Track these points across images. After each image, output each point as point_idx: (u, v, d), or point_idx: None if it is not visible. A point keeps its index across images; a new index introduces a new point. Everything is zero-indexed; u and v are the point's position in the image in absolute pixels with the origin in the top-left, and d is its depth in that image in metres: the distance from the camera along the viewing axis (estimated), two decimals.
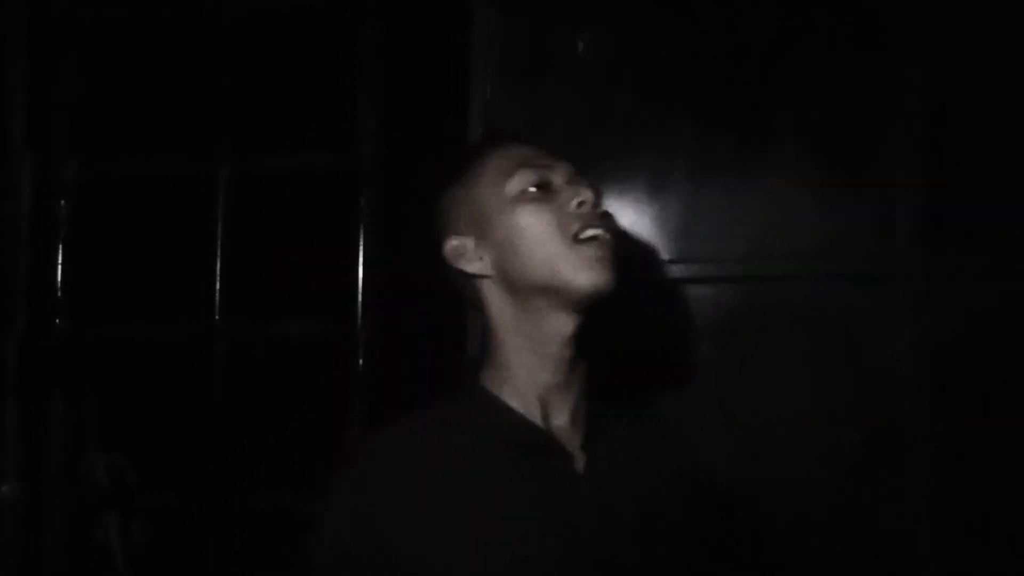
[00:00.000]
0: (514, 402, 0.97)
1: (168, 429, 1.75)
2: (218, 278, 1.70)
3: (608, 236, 0.96)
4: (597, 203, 0.98)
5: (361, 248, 1.58)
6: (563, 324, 0.97)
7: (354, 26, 1.61)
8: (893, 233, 1.46)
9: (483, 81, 1.53)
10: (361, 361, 1.56)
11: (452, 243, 1.01)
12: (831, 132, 1.48)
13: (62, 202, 1.81)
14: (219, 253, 1.70)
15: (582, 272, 0.94)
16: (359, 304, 1.57)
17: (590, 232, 0.95)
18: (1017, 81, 1.42)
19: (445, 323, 1.50)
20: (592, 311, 0.97)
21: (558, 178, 0.99)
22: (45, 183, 1.77)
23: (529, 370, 0.98)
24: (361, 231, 1.58)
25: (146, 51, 1.78)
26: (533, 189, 0.97)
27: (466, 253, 1.00)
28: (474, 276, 1.01)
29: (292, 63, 1.67)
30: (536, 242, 0.95)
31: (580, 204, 0.96)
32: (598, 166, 1.52)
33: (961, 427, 1.41)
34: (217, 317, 1.70)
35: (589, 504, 0.94)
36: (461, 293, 1.05)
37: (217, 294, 1.70)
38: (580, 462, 0.96)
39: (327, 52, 1.63)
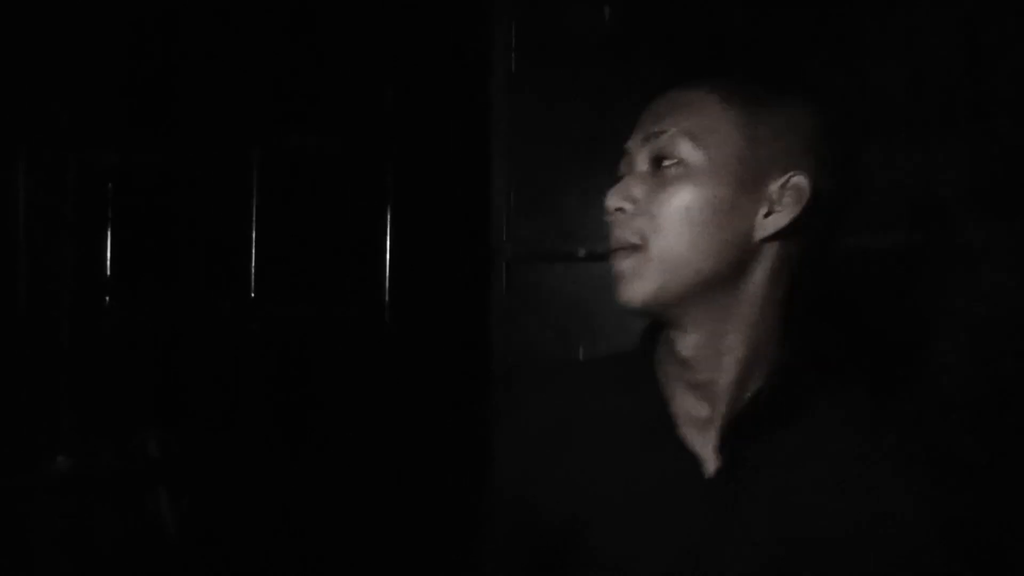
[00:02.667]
0: (665, 381, 0.90)
1: (207, 403, 1.80)
2: (253, 259, 1.74)
3: (629, 245, 0.85)
4: (618, 209, 0.86)
5: (388, 228, 1.60)
6: (666, 325, 0.89)
7: (375, 14, 1.61)
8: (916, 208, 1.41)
9: (505, 56, 1.51)
10: (389, 339, 1.58)
11: None
12: (868, 98, 1.43)
13: (109, 185, 1.88)
14: (254, 234, 1.74)
15: (615, 287, 0.86)
16: (386, 285, 1.59)
17: (613, 247, 0.86)
18: None
19: (470, 303, 1.51)
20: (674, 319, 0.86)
21: (626, 164, 0.89)
22: (88, 172, 1.84)
23: (663, 356, 0.91)
24: (388, 214, 1.60)
25: (178, 44, 1.82)
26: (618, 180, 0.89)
27: None
28: None
29: (317, 48, 1.69)
30: None
31: (607, 213, 0.87)
32: (621, 139, 1.51)
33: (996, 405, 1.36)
34: (252, 295, 1.74)
35: (703, 515, 0.85)
36: None
37: (252, 274, 1.74)
38: (711, 466, 0.86)
39: (352, 37, 1.64)
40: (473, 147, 1.52)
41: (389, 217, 1.59)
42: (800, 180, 0.84)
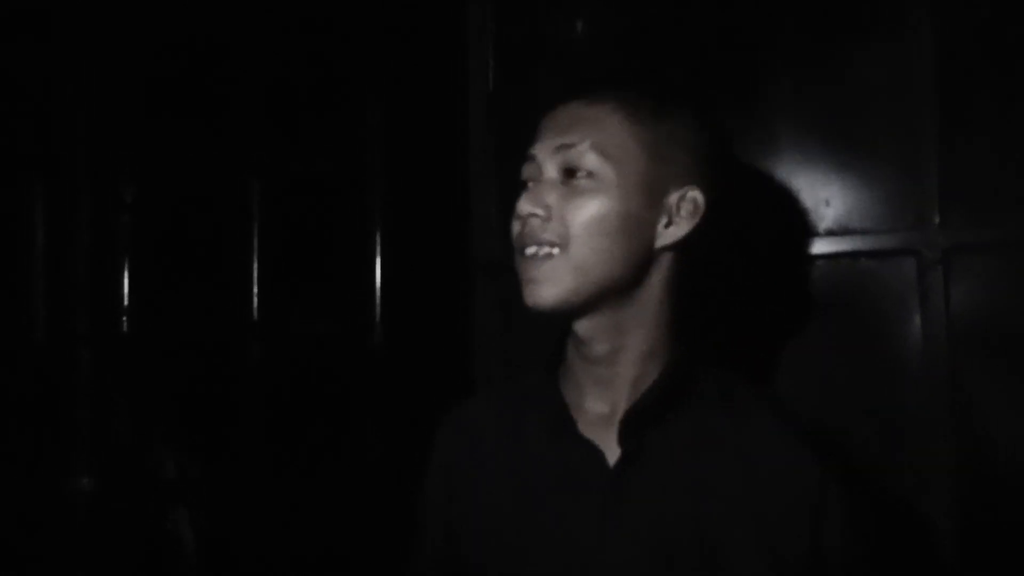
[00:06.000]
0: (567, 386, 0.96)
1: (215, 420, 1.87)
2: (255, 283, 1.80)
3: (541, 253, 0.89)
4: (532, 214, 0.89)
5: (378, 249, 1.64)
6: (574, 325, 0.93)
7: (357, 40, 1.66)
8: (906, 210, 1.40)
9: (482, 74, 1.56)
10: (378, 354, 1.62)
11: None
12: (833, 109, 1.43)
13: (125, 216, 1.97)
14: (255, 259, 1.80)
15: (523, 289, 0.91)
16: (377, 303, 1.63)
17: (523, 251, 0.90)
18: None
19: (454, 317, 1.55)
20: (590, 314, 0.91)
21: (533, 170, 0.93)
22: (104, 205, 1.92)
23: (572, 358, 0.96)
24: (378, 234, 1.64)
25: (179, 81, 1.90)
26: (524, 185, 0.93)
27: None
28: None
29: (302, 80, 1.75)
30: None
31: (517, 218, 0.91)
32: None
33: (981, 410, 1.34)
34: (255, 318, 1.80)
35: (610, 503, 0.90)
36: None
37: (255, 297, 1.80)
38: (613, 458, 0.91)
39: (332, 68, 1.70)
40: (455, 165, 1.56)
41: (379, 237, 1.63)
42: (696, 194, 0.91)
